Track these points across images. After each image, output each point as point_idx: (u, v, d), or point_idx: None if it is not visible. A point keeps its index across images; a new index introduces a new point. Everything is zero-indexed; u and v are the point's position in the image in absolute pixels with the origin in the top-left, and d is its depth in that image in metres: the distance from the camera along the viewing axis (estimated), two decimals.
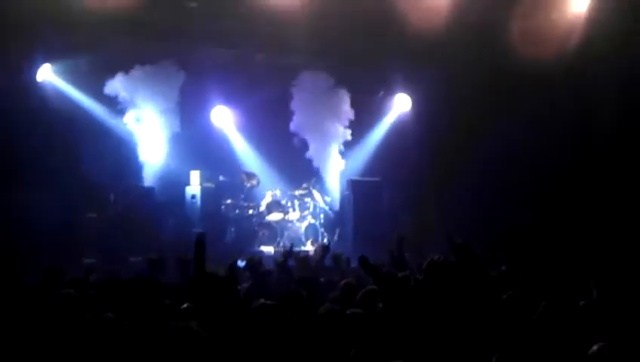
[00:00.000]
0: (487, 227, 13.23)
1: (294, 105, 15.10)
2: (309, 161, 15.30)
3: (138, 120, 13.83)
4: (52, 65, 13.53)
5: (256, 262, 8.42)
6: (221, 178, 14.55)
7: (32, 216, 11.48)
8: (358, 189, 14.57)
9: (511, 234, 12.72)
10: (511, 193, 14.09)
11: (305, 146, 15.33)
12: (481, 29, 12.98)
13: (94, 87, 13.58)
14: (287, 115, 15.13)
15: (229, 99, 15.44)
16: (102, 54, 13.16)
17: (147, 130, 13.85)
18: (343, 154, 15.48)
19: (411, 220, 14.63)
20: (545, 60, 12.48)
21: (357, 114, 15.56)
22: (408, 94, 16.26)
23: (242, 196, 14.64)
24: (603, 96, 12.80)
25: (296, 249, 13.62)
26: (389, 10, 12.14)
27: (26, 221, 11.53)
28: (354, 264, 9.42)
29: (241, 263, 8.59)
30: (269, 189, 14.88)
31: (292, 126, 15.17)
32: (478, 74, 14.10)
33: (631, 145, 12.27)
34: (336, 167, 15.32)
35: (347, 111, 15.34)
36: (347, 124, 15.43)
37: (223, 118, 15.70)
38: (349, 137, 15.36)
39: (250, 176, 14.94)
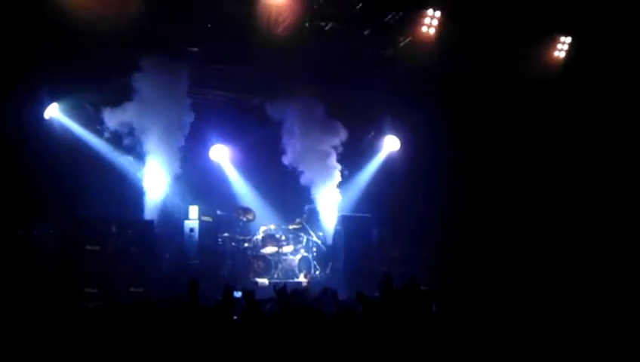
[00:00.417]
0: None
1: (288, 132, 15.12)
2: (303, 196, 15.39)
3: (142, 156, 13.88)
4: (59, 103, 13.74)
5: (250, 293, 8.43)
6: (218, 212, 14.62)
7: (35, 246, 11.46)
8: (349, 225, 14.71)
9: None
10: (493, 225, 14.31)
11: (298, 179, 15.36)
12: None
13: (99, 123, 13.69)
14: (282, 153, 15.27)
15: (227, 138, 15.67)
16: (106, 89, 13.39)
17: (150, 166, 13.88)
18: (339, 188, 15.54)
19: (399, 255, 14.71)
20: None
21: (350, 151, 15.73)
22: (397, 135, 16.55)
23: (238, 230, 14.72)
24: None
25: (290, 281, 13.74)
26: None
27: (29, 252, 11.51)
28: (342, 296, 9.57)
29: (237, 294, 8.58)
30: (264, 224, 14.99)
31: (286, 159, 15.20)
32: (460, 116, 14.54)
33: None
34: (332, 202, 15.39)
35: (340, 143, 15.41)
36: (339, 158, 15.51)
37: (221, 156, 15.88)
38: (339, 175, 15.42)
39: (247, 210, 15.03)
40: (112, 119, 13.58)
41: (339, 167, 15.43)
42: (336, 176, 15.40)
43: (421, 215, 15.28)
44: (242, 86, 14.99)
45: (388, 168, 16.37)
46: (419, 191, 15.55)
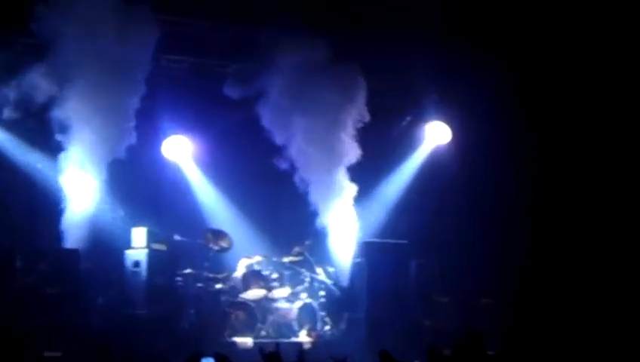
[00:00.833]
0: None
1: (276, 109, 15.14)
2: (306, 213, 15.34)
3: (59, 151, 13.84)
4: None
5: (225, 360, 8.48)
6: (177, 237, 14.53)
7: None
8: (374, 256, 14.65)
9: None
10: None
11: (295, 186, 15.34)
12: None
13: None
14: (271, 145, 15.26)
15: (188, 124, 15.60)
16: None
17: (72, 167, 13.83)
18: (355, 204, 15.51)
19: (450, 301, 14.74)
20: None
21: (374, 145, 15.67)
22: (446, 122, 16.57)
23: (206, 264, 14.62)
24: None
25: (285, 340, 13.66)
26: None
27: None
28: None
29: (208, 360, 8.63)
30: (246, 254, 14.91)
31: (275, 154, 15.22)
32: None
33: None
34: (348, 221, 15.35)
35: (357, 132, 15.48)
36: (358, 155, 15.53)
37: (180, 152, 15.77)
38: (355, 184, 15.44)
39: (218, 234, 14.96)
40: (14, 93, 13.50)
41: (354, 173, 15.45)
42: (353, 184, 15.41)
43: (481, 240, 15.38)
44: (210, 46, 15.05)
45: (432, 170, 16.40)
46: (478, 204, 15.68)
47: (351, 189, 15.40)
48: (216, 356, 8.89)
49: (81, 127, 13.73)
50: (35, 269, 12.69)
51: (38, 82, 13.54)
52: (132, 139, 13.99)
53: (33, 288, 12.63)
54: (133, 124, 14.01)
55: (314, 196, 15.18)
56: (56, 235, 13.65)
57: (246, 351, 13.16)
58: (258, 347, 9.49)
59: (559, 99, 15.43)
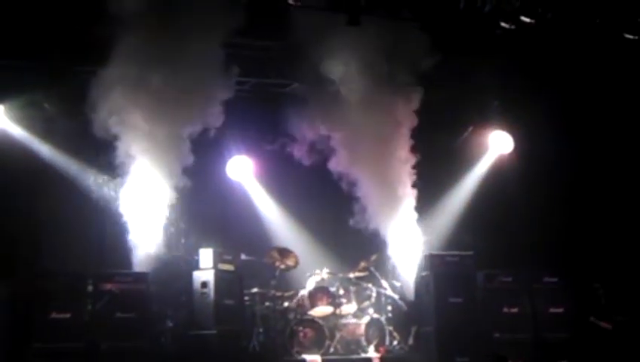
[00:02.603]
0: None
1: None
2: (370, 228, 15.33)
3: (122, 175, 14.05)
4: (3, 104, 14.05)
5: None
6: (243, 257, 14.57)
7: None
8: (440, 269, 14.55)
9: None
10: None
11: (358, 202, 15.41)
12: None
13: (65, 134, 13.91)
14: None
15: (252, 145, 15.71)
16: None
17: (137, 191, 14.02)
18: (417, 216, 15.43)
19: (520, 311, 14.53)
20: None
21: (436, 155, 15.59)
22: (509, 131, 16.45)
23: (273, 282, 14.59)
24: None
25: (354, 356, 13.63)
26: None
27: None
28: None
29: None
30: (313, 271, 14.84)
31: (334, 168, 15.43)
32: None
33: None
34: (410, 236, 15.28)
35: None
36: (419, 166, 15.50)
37: (244, 172, 15.86)
38: (417, 195, 15.43)
39: (284, 253, 14.94)
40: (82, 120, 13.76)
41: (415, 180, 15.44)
42: (414, 195, 15.42)
43: (556, 249, 15.24)
44: (272, 65, 15.21)
45: (496, 180, 16.29)
46: (542, 213, 15.47)
47: (414, 202, 15.36)
48: None
49: (147, 151, 13.95)
50: (106, 294, 12.84)
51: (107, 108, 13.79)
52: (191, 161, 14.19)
53: (104, 312, 12.80)
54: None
55: (377, 211, 15.16)
56: (126, 260, 13.86)
57: None
58: None
59: (623, 108, 15.25)
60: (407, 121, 15.46)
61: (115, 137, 13.83)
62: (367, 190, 15.35)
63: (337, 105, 15.18)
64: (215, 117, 14.35)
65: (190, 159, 14.16)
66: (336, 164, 15.57)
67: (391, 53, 14.78)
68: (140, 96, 13.74)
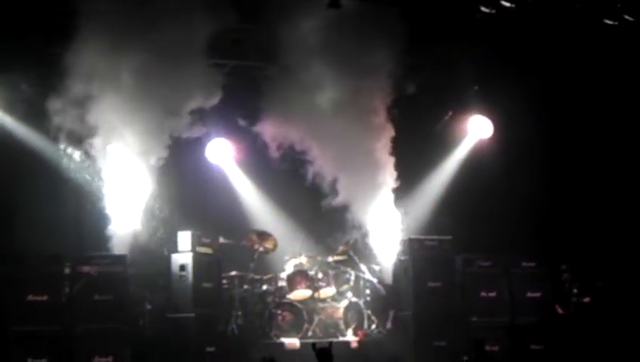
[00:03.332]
0: None
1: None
2: (349, 212, 15.33)
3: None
4: None
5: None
6: (222, 240, 14.53)
7: None
8: (419, 253, 14.55)
9: None
10: None
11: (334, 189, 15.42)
12: None
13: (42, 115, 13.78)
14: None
15: (231, 128, 15.65)
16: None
17: (117, 173, 13.94)
18: (396, 201, 15.44)
19: (497, 296, 14.59)
20: None
21: (414, 144, 15.59)
22: (488, 116, 16.48)
23: (252, 266, 14.62)
24: None
25: (333, 340, 13.61)
26: None
27: None
28: None
29: None
30: (291, 255, 14.83)
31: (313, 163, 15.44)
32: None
33: None
34: (391, 218, 15.30)
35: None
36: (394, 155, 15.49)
37: (223, 155, 15.82)
38: (396, 180, 15.43)
39: (264, 236, 14.94)
40: (61, 101, 13.52)
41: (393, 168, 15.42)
42: (393, 180, 15.41)
43: (525, 235, 15.26)
44: (251, 47, 15.18)
45: (475, 164, 16.33)
46: (523, 199, 15.61)
47: (393, 186, 15.38)
48: (264, 360, 8.90)
49: (126, 132, 13.84)
50: (84, 276, 12.76)
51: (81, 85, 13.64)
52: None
53: (81, 295, 12.72)
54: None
55: (356, 195, 15.17)
56: (104, 242, 13.80)
57: (293, 352, 13.18)
58: (312, 346, 9.46)
59: (603, 93, 15.31)
60: (385, 107, 15.42)
61: (93, 120, 13.72)
62: (346, 175, 15.31)
63: (312, 91, 15.09)
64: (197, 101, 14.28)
65: (169, 142, 14.08)
66: (312, 156, 15.56)
67: (368, 38, 14.70)
68: (118, 77, 13.63)
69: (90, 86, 13.53)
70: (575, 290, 14.62)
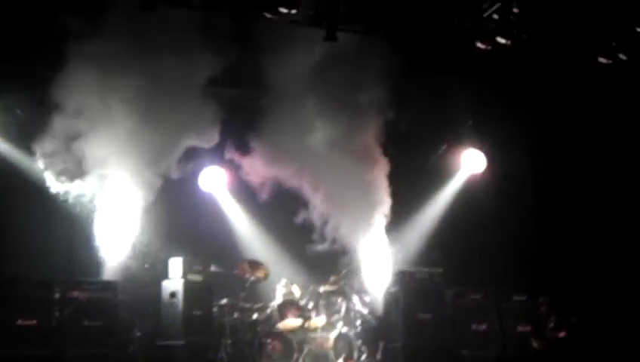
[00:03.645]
0: None
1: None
2: (341, 244, 15.36)
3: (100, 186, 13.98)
4: None
5: None
6: (213, 268, 14.53)
7: None
8: (409, 285, 14.61)
9: None
10: None
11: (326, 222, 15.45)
12: None
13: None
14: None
15: (225, 157, 15.66)
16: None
17: (111, 199, 13.96)
18: (388, 233, 15.45)
19: (487, 329, 14.58)
20: None
21: (407, 177, 15.65)
22: (482, 149, 16.59)
23: (243, 294, 14.56)
24: None
25: None
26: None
27: None
28: None
29: None
30: (282, 284, 14.81)
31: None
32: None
33: None
34: (380, 252, 15.29)
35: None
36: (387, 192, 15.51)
37: (216, 183, 15.83)
38: (389, 212, 15.43)
39: (255, 265, 14.89)
40: (50, 141, 13.72)
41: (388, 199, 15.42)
42: (386, 212, 15.40)
43: (518, 269, 15.29)
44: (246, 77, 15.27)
45: (467, 199, 16.37)
46: (513, 234, 15.56)
47: (385, 218, 15.39)
48: None
49: (122, 159, 13.91)
50: (73, 301, 12.75)
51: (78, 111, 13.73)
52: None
53: (71, 320, 12.71)
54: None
55: (348, 226, 15.19)
56: (94, 268, 13.78)
57: None
58: None
59: (595, 129, 15.45)
60: (378, 139, 15.47)
61: (88, 146, 13.76)
62: (338, 209, 15.33)
63: (304, 125, 15.14)
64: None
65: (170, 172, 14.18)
66: (303, 188, 15.58)
67: (363, 70, 14.80)
68: (120, 106, 13.73)
69: (81, 120, 13.64)
70: (551, 324, 14.63)
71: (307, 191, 15.52)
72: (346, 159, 15.16)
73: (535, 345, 14.38)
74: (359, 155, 15.35)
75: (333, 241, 15.42)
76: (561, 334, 14.43)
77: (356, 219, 15.33)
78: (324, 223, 15.44)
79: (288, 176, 15.42)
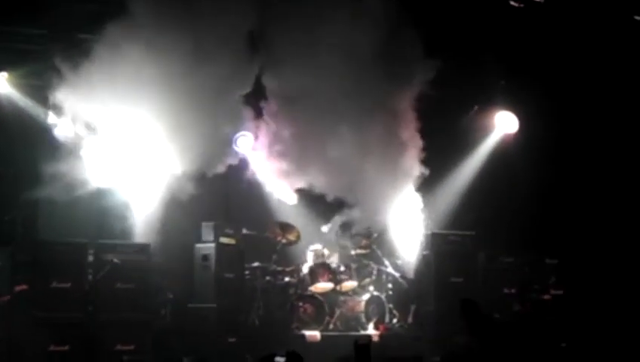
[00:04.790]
0: None
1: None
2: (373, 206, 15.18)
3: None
4: (8, 72, 14.08)
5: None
6: (245, 231, 14.57)
7: None
8: (442, 248, 14.62)
9: None
10: None
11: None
12: None
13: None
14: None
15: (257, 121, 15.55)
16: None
17: (145, 162, 13.96)
18: (420, 195, 15.38)
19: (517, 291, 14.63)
20: None
21: (436, 138, 15.57)
22: (514, 111, 16.44)
23: (275, 257, 14.65)
24: None
25: (354, 333, 13.62)
26: None
27: None
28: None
29: (280, 359, 8.63)
30: (313, 247, 14.84)
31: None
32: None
33: None
34: (411, 214, 15.23)
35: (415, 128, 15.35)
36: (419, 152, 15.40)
37: (248, 146, 15.75)
38: (425, 171, 15.31)
39: (286, 227, 14.95)
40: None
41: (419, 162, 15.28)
42: (416, 174, 15.28)
43: (552, 231, 15.22)
44: None
45: (500, 161, 16.27)
46: (548, 195, 15.53)
47: (417, 180, 15.32)
48: (288, 355, 8.91)
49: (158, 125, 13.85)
50: (107, 264, 12.81)
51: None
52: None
53: (104, 283, 12.81)
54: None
55: (380, 189, 15.10)
56: (127, 230, 13.84)
57: (314, 344, 13.21)
58: (354, 340, 9.61)
59: (630, 90, 15.23)
60: (410, 100, 15.34)
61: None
62: (370, 169, 15.23)
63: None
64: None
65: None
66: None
67: (395, 33, 14.62)
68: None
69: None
70: (536, 286, 14.59)
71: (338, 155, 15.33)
72: (378, 122, 15.03)
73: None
74: (391, 117, 15.24)
75: (365, 204, 15.33)
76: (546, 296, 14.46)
77: (387, 183, 15.24)
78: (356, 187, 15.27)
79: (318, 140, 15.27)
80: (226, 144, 14.62)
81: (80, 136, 13.81)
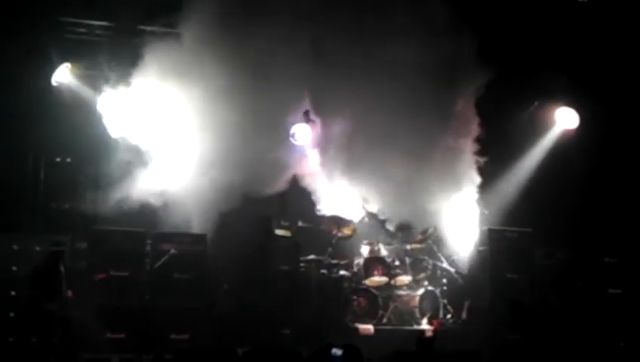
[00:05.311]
0: None
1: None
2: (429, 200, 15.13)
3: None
4: (72, 64, 14.35)
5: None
6: (300, 224, 14.64)
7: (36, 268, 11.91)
8: (498, 244, 14.49)
9: None
10: None
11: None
12: None
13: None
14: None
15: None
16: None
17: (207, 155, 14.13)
18: (477, 191, 15.29)
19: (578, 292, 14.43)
20: None
21: (495, 133, 15.47)
22: (575, 107, 16.21)
23: (330, 250, 14.70)
24: None
25: (407, 328, 13.61)
26: None
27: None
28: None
29: (337, 351, 8.66)
30: (368, 241, 14.86)
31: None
32: None
33: None
34: (470, 209, 15.16)
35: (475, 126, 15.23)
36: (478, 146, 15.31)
37: (306, 138, 15.78)
38: (483, 166, 15.22)
39: (342, 222, 14.98)
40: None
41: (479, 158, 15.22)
42: (475, 173, 15.22)
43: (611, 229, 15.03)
44: None
45: (560, 157, 16.03)
46: (608, 193, 15.41)
47: (475, 175, 15.24)
48: (346, 348, 8.95)
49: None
50: (164, 254, 13.04)
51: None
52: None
53: (162, 272, 13.03)
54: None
55: (437, 183, 15.05)
56: (185, 220, 13.99)
57: (367, 338, 13.22)
58: (417, 337, 9.63)
59: None
60: (470, 96, 15.26)
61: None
62: (429, 163, 15.19)
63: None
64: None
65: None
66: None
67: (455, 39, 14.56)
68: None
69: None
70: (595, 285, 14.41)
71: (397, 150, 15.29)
72: (437, 118, 14.96)
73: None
74: (451, 112, 15.17)
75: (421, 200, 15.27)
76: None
77: (446, 177, 15.18)
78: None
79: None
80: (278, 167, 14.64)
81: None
